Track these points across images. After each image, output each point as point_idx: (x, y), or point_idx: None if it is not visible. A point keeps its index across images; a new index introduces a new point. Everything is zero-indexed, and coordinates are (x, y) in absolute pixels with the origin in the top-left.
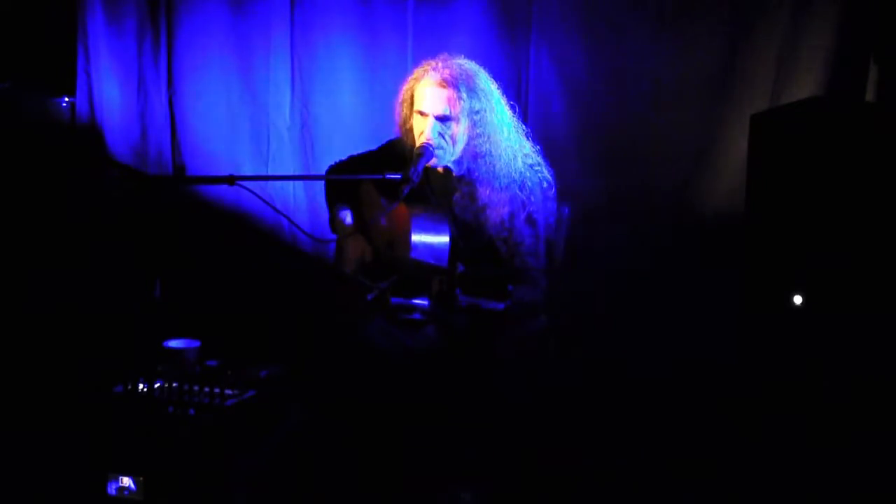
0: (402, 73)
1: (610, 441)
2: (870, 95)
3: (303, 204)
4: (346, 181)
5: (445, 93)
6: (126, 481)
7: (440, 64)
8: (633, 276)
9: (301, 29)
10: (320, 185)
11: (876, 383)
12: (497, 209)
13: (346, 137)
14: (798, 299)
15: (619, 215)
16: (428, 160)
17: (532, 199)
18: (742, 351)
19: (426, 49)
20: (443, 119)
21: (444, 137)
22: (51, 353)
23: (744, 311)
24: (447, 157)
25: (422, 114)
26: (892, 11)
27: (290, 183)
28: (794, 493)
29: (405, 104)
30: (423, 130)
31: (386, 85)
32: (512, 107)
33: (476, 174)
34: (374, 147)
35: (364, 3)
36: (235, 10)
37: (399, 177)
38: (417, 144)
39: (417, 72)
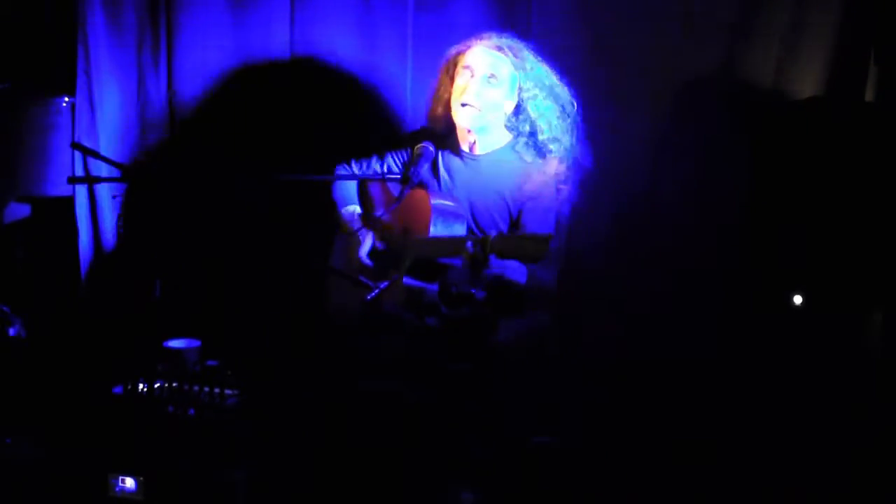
0: (401, 74)
1: (610, 440)
2: (870, 95)
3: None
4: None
5: (499, 56)
6: (126, 481)
7: (494, 35)
8: (633, 275)
9: (301, 30)
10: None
11: (876, 383)
12: (534, 183)
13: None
14: (798, 299)
15: (619, 215)
16: (428, 160)
17: (564, 178)
18: (743, 350)
19: (426, 49)
20: (490, 78)
21: (483, 99)
22: (51, 354)
23: (744, 311)
24: (480, 121)
25: (470, 70)
26: (892, 11)
27: None
28: (793, 492)
29: (447, 73)
30: (467, 86)
31: (385, 86)
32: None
33: (518, 148)
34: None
35: (364, 3)
36: (236, 10)
37: (398, 177)
38: (454, 103)
39: (470, 41)
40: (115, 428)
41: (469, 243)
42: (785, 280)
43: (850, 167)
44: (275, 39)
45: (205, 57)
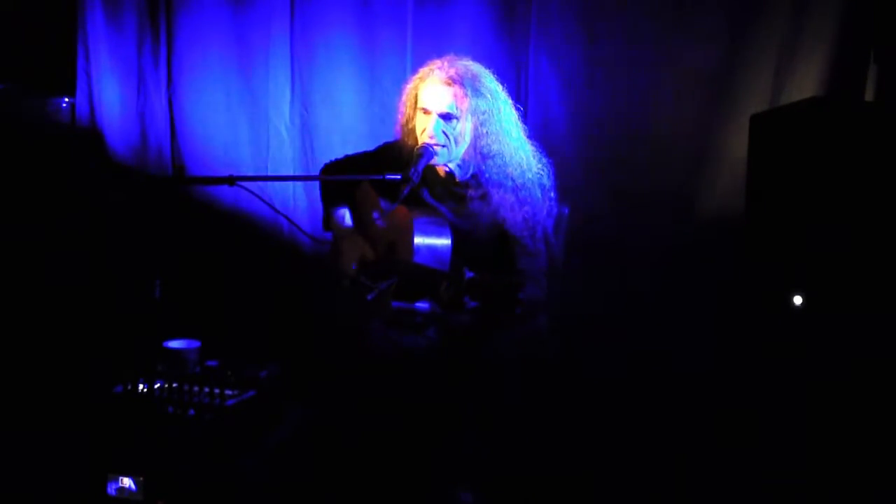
0: (401, 73)
1: (610, 441)
2: (870, 95)
3: (302, 204)
4: (342, 181)
5: (451, 90)
6: (126, 481)
7: (446, 63)
8: (633, 275)
9: (301, 29)
10: (319, 184)
11: (876, 383)
12: (503, 210)
13: (345, 137)
14: (798, 299)
15: (619, 215)
16: (428, 160)
17: (535, 200)
18: (742, 351)
19: (426, 48)
20: (447, 117)
21: (447, 136)
22: (51, 354)
23: (744, 312)
24: (448, 156)
25: (425, 111)
26: (892, 11)
27: (290, 183)
28: (793, 493)
29: (408, 103)
30: (425, 128)
31: (385, 85)
32: (514, 108)
33: (486, 175)
34: (370, 148)
35: (364, 2)
36: (235, 9)
37: (399, 177)
38: (419, 144)
39: (423, 71)
40: (115, 428)
41: (443, 285)
42: (785, 280)
43: (850, 167)
44: (275, 39)
45: (204, 57)
